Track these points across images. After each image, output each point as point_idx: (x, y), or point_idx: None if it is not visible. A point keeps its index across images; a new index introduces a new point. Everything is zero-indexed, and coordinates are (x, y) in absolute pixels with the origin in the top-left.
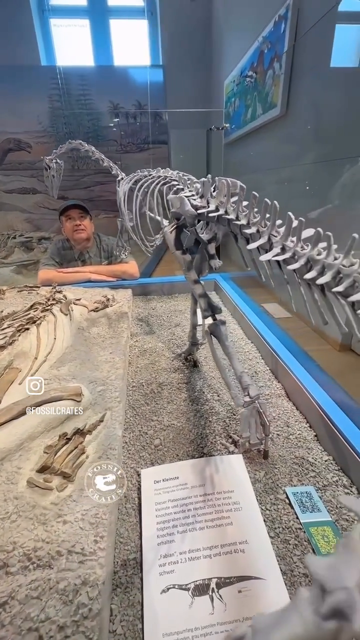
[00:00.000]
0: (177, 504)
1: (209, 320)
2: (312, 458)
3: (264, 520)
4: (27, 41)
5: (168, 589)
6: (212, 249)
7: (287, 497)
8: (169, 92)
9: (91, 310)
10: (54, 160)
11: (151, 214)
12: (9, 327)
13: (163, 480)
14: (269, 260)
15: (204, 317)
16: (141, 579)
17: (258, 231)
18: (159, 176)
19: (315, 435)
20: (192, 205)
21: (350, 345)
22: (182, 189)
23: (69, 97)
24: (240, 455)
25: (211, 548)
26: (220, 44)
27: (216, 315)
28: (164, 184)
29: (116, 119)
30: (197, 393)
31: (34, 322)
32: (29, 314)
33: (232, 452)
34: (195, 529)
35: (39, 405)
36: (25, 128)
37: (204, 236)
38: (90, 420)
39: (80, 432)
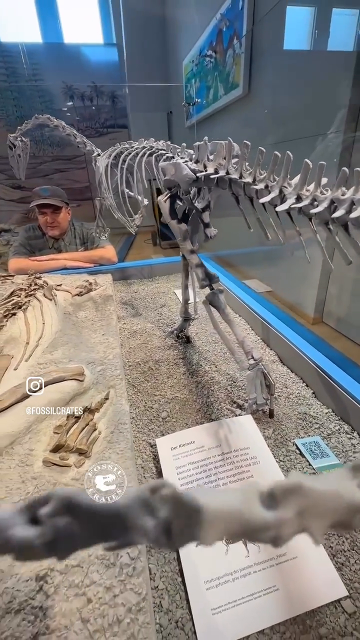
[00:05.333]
0: (197, 466)
1: (207, 290)
2: (314, 412)
3: (281, 470)
4: None
5: None
6: (206, 217)
7: (298, 448)
8: (126, 72)
9: (75, 295)
10: (18, 138)
11: (130, 192)
12: None
13: (180, 446)
14: (286, 212)
15: (202, 287)
16: None
17: (267, 187)
18: (144, 147)
19: (313, 393)
20: (190, 169)
21: (322, 318)
22: (172, 157)
23: (17, 77)
24: (249, 416)
25: None
26: (176, 22)
27: (213, 285)
28: (151, 154)
29: (70, 103)
30: (195, 366)
31: (20, 307)
32: (12, 299)
33: (240, 415)
34: (219, 485)
35: (48, 385)
36: None
37: (198, 205)
38: (95, 399)
39: (89, 410)
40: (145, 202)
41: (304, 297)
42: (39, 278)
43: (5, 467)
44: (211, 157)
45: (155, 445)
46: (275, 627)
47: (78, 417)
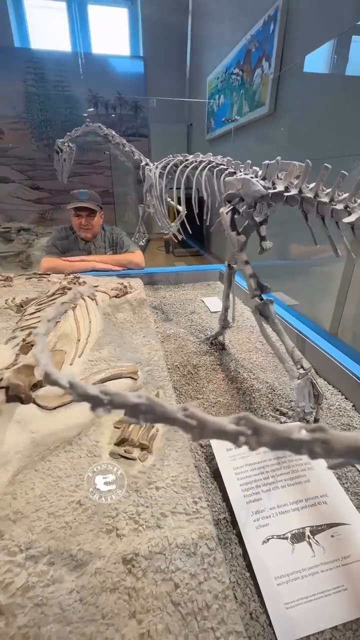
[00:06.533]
0: (255, 467)
1: (257, 300)
2: (357, 424)
3: (334, 475)
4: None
5: (268, 539)
6: (263, 230)
7: None
8: (149, 84)
9: (113, 297)
10: (66, 144)
11: (172, 203)
12: (37, 311)
13: (235, 447)
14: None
15: (253, 297)
16: (237, 535)
17: (346, 208)
18: (202, 160)
19: (353, 405)
20: (261, 186)
21: (337, 334)
22: (234, 172)
23: (45, 83)
24: (298, 423)
25: (297, 502)
26: (203, 39)
27: (263, 295)
28: (211, 168)
29: (90, 109)
30: (233, 373)
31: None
32: (56, 297)
33: (285, 422)
34: (278, 487)
35: (104, 382)
36: None
37: (257, 218)
38: None
39: None
40: (181, 210)
41: (321, 312)
42: (78, 278)
43: (76, 456)
44: (281, 175)
45: (206, 445)
46: (348, 624)
47: None
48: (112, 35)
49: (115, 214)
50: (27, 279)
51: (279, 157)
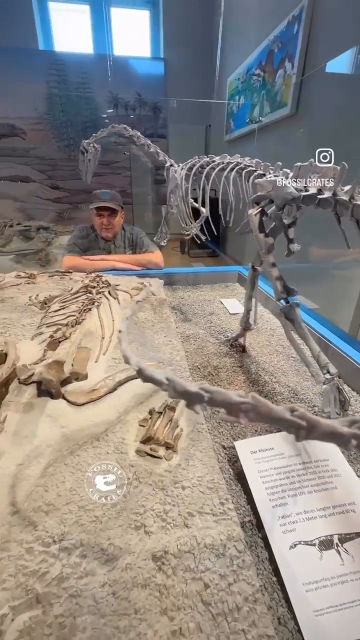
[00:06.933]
0: (280, 472)
1: (283, 303)
2: None
3: None
4: (25, 23)
5: (295, 545)
6: (291, 233)
7: None
8: (170, 85)
9: (135, 297)
10: (91, 144)
11: (195, 204)
12: (62, 308)
13: (259, 450)
14: None
15: (278, 299)
16: (262, 538)
17: None
18: (229, 162)
19: None
20: (294, 188)
21: (357, 336)
22: (264, 174)
23: (67, 85)
24: None
25: (324, 509)
26: (224, 40)
27: (289, 298)
28: (239, 169)
29: (109, 110)
30: (254, 376)
31: (93, 303)
32: (86, 295)
33: None
34: (304, 493)
35: (129, 380)
36: (19, 113)
37: (285, 221)
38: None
39: (169, 407)
40: (204, 212)
41: (340, 316)
42: (100, 277)
43: (104, 452)
44: (313, 177)
45: (229, 448)
46: None
47: (160, 413)
48: (134, 37)
49: (133, 214)
50: (49, 276)
51: (311, 160)
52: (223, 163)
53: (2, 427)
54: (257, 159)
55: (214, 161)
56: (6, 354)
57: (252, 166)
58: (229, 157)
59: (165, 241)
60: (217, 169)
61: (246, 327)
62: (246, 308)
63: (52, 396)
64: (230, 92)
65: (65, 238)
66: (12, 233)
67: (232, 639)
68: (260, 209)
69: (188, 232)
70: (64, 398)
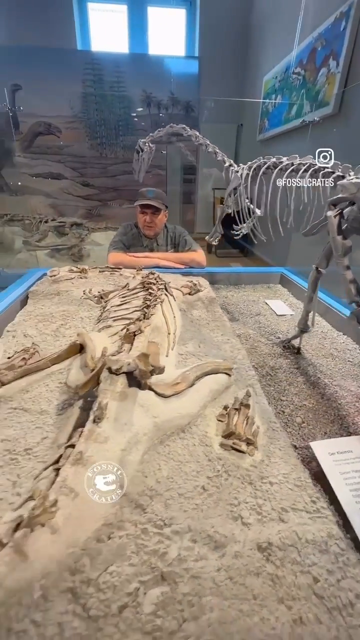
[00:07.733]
0: None
1: (355, 306)
2: None
3: None
4: (65, 23)
5: None
6: None
7: None
8: (203, 84)
9: (187, 294)
10: (147, 144)
11: (251, 206)
12: (123, 303)
13: (337, 452)
14: None
15: (350, 302)
16: (352, 539)
17: None
18: (301, 163)
19: None
20: None
21: None
22: (343, 176)
23: (102, 84)
24: None
25: None
26: (262, 39)
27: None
28: (314, 171)
29: (140, 109)
30: (313, 378)
31: (156, 299)
32: (139, 291)
33: None
34: None
35: (206, 375)
36: (56, 112)
37: None
38: (239, 395)
39: (244, 405)
40: (259, 213)
41: None
42: (153, 273)
43: (190, 444)
44: None
45: (300, 448)
46: None
47: (237, 409)
48: (169, 36)
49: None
50: (100, 271)
51: None
52: (293, 164)
53: (105, 413)
54: (337, 161)
55: (281, 162)
56: (81, 345)
57: (328, 167)
58: (299, 158)
59: (217, 240)
60: (289, 170)
61: (304, 329)
62: (305, 310)
63: (140, 387)
64: (266, 91)
65: (98, 235)
66: (47, 229)
67: (352, 633)
68: (339, 211)
69: (238, 233)
70: (152, 389)
